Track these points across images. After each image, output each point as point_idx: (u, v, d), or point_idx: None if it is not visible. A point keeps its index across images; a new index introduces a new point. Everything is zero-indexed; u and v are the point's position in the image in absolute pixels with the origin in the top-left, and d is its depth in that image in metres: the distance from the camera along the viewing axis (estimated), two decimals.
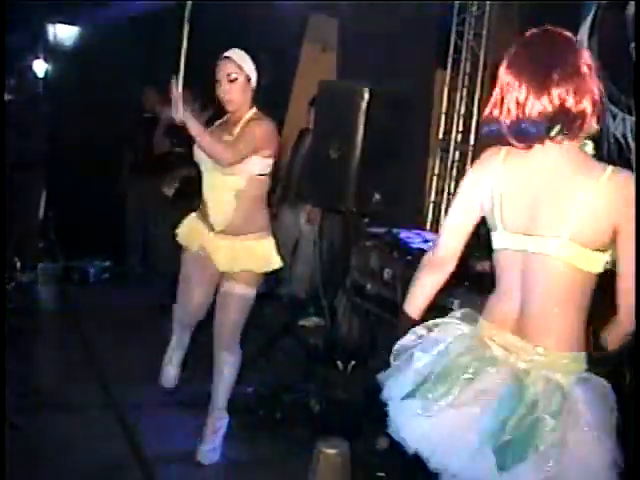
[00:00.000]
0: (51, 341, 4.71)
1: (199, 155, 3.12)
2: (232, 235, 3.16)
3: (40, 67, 6.52)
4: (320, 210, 5.13)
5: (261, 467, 3.39)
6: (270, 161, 3.18)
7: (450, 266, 2.03)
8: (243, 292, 3.22)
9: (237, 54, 3.17)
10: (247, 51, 3.18)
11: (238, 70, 3.15)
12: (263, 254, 3.23)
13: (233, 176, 3.08)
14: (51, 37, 6.68)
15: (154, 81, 6.14)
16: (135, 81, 6.25)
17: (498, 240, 1.87)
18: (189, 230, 3.31)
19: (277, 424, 3.68)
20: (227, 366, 3.37)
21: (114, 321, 4.91)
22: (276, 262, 3.27)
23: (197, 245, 3.25)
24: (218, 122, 3.31)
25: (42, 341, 4.63)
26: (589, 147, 1.83)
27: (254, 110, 3.20)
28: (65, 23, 6.68)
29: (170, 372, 3.46)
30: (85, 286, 6.11)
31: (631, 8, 4.13)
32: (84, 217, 6.10)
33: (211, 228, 3.19)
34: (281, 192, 5.87)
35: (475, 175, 1.94)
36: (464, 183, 1.97)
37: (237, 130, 3.13)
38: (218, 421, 3.36)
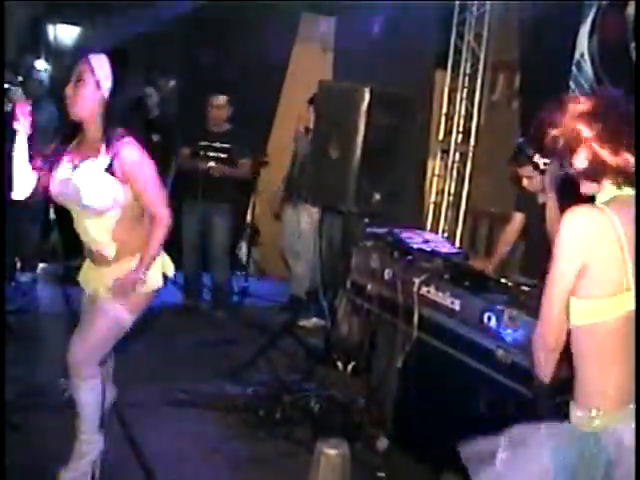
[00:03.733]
0: (51, 341, 4.71)
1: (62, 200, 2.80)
2: (106, 264, 2.84)
3: (42, 67, 6.51)
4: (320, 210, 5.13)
5: (261, 467, 3.38)
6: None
7: None
8: (114, 310, 2.80)
9: (96, 57, 2.75)
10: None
11: (89, 72, 2.71)
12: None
13: (106, 214, 2.76)
14: (51, 37, 6.68)
15: (153, 82, 6.15)
16: (134, 82, 6.25)
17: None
18: (85, 270, 2.98)
19: (277, 424, 3.68)
20: (83, 394, 2.86)
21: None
22: (155, 281, 2.87)
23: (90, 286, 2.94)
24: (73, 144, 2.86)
25: (42, 341, 4.62)
26: None
27: (121, 133, 2.76)
28: (65, 23, 6.68)
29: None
30: None
31: (631, 8, 4.14)
32: None
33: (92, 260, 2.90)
34: (283, 192, 5.88)
35: None
36: None
37: (107, 162, 2.70)
38: (85, 445, 2.92)
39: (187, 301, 5.71)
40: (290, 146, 5.83)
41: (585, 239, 1.70)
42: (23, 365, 3.88)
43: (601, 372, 1.76)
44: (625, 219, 1.70)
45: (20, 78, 5.39)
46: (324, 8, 6.52)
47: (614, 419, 1.74)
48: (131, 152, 2.73)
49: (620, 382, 1.74)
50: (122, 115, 2.78)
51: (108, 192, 2.70)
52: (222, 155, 5.50)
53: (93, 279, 2.89)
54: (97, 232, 2.78)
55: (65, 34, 6.75)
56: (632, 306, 1.71)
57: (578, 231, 1.71)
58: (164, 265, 2.93)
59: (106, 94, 2.72)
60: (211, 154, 5.50)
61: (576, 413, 1.79)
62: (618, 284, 1.70)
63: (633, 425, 1.72)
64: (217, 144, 5.50)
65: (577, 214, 1.71)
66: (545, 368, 1.83)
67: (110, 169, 2.70)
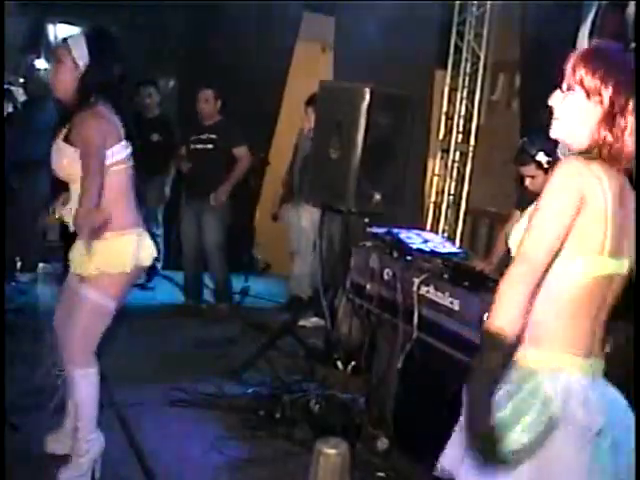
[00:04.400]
0: (51, 341, 4.71)
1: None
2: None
3: (42, 67, 6.51)
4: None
5: (261, 467, 3.38)
6: (115, 148, 2.80)
7: None
8: (91, 298, 2.82)
9: (72, 37, 2.86)
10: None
11: (66, 52, 2.79)
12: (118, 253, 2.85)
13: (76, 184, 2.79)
14: (51, 37, 6.68)
15: (152, 82, 6.15)
16: (133, 81, 6.25)
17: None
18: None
19: (277, 424, 3.68)
20: (78, 385, 2.86)
21: (114, 320, 4.91)
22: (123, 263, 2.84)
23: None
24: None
25: (42, 341, 4.62)
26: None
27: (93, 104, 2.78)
28: (65, 23, 6.67)
29: None
30: None
31: (631, 8, 4.13)
32: None
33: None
34: (283, 192, 5.88)
35: None
36: None
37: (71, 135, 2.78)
38: (84, 444, 2.89)
39: (187, 301, 5.72)
40: (285, 144, 5.85)
41: (581, 186, 1.68)
42: (23, 365, 3.87)
43: (573, 321, 1.75)
44: (613, 183, 1.71)
45: (21, 80, 5.40)
46: (324, 8, 6.53)
47: (579, 366, 1.75)
48: (81, 119, 2.75)
49: (586, 332, 1.76)
50: (100, 88, 2.79)
51: (67, 161, 2.76)
52: (209, 146, 5.49)
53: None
54: (73, 203, 2.81)
55: (65, 34, 6.75)
56: (605, 272, 1.73)
57: (575, 176, 1.69)
58: (142, 248, 2.88)
59: (83, 71, 2.77)
60: (199, 147, 5.51)
61: (536, 356, 1.76)
62: (600, 243, 1.71)
63: (594, 378, 1.75)
64: (204, 136, 5.50)
65: (574, 163, 1.70)
66: (513, 309, 1.68)
67: (67, 139, 2.77)
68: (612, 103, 1.71)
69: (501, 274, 1.78)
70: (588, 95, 1.74)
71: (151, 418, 3.62)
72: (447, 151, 6.74)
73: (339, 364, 3.97)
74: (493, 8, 6.29)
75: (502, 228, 4.22)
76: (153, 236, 6.52)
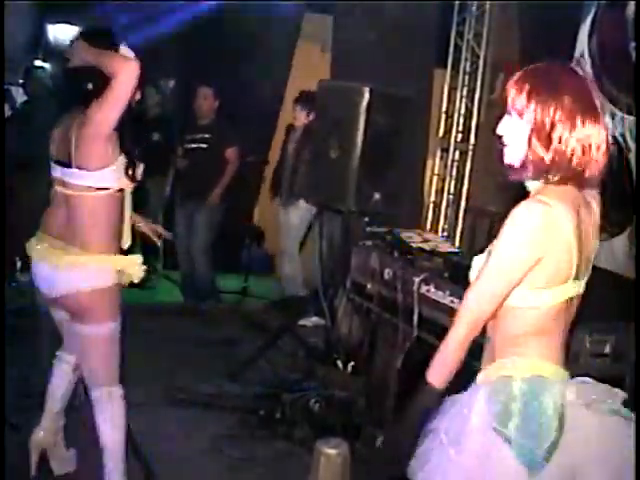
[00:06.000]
0: (51, 341, 4.70)
1: None
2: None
3: (42, 67, 6.51)
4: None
5: (261, 467, 3.39)
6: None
7: None
8: (91, 333, 2.71)
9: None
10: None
11: None
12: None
13: None
14: (51, 37, 6.68)
15: (153, 82, 6.15)
16: None
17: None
18: None
19: (277, 424, 3.68)
20: (106, 407, 2.80)
21: None
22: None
23: None
24: None
25: (42, 341, 4.62)
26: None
27: None
28: (65, 23, 6.68)
29: None
30: None
31: (631, 8, 4.13)
32: None
33: None
34: (269, 192, 5.89)
35: None
36: None
37: None
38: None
39: (186, 301, 5.71)
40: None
41: (543, 239, 1.68)
42: (23, 365, 3.87)
43: (539, 344, 1.77)
44: (572, 209, 1.71)
45: (20, 80, 5.39)
46: (324, 7, 6.52)
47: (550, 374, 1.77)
48: None
49: (556, 348, 1.79)
50: None
51: None
52: (202, 145, 5.48)
53: None
54: None
55: (65, 34, 6.75)
56: (570, 295, 1.76)
57: (537, 232, 1.68)
58: (125, 266, 2.77)
59: None
60: (193, 146, 5.50)
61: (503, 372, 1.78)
62: (567, 274, 1.72)
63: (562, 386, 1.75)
64: (198, 135, 5.49)
65: (535, 212, 1.69)
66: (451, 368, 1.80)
67: None
68: (541, 121, 1.69)
69: None
70: (520, 116, 1.73)
71: (151, 418, 3.62)
72: (447, 150, 6.73)
73: (339, 364, 3.97)
74: (493, 8, 6.28)
75: (501, 226, 4.22)
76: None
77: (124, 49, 2.68)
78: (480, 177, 6.53)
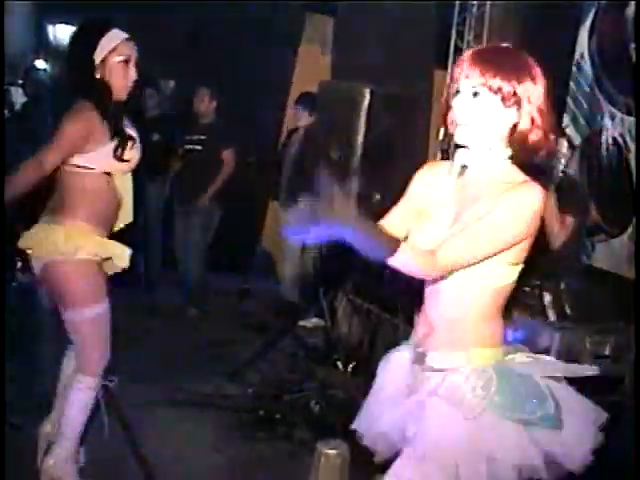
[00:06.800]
0: (51, 341, 4.70)
1: None
2: None
3: (42, 67, 6.52)
4: None
5: (261, 467, 3.39)
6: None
7: None
8: (76, 318, 2.85)
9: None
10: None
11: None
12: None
13: None
14: (51, 37, 6.69)
15: (153, 82, 6.14)
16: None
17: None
18: None
19: (277, 424, 3.68)
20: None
21: (114, 321, 4.90)
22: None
23: None
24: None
25: (42, 341, 4.62)
26: None
27: None
28: (65, 23, 6.68)
29: None
30: None
31: (631, 8, 4.13)
32: None
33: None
34: (272, 191, 5.89)
35: None
36: None
37: None
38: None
39: (186, 301, 5.71)
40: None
41: (538, 218, 1.73)
42: (23, 365, 3.88)
43: (493, 319, 1.87)
44: None
45: (20, 81, 5.39)
46: (324, 8, 6.53)
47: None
48: None
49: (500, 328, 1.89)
50: None
51: None
52: (197, 147, 5.47)
53: None
54: None
55: (65, 34, 6.75)
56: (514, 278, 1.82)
57: (538, 209, 1.72)
58: (104, 249, 2.84)
59: None
60: (190, 147, 5.50)
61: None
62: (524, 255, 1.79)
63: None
64: (195, 136, 5.48)
65: (540, 195, 1.72)
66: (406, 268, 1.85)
67: None
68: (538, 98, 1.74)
69: None
70: (497, 93, 1.74)
71: (151, 418, 3.62)
72: (447, 151, 6.74)
73: (339, 364, 3.97)
74: (493, 8, 6.28)
75: None
76: (155, 236, 6.53)
77: (115, 32, 2.77)
78: None
